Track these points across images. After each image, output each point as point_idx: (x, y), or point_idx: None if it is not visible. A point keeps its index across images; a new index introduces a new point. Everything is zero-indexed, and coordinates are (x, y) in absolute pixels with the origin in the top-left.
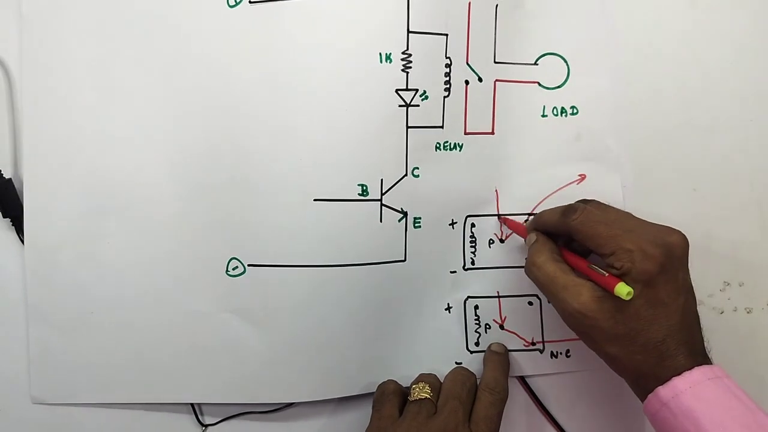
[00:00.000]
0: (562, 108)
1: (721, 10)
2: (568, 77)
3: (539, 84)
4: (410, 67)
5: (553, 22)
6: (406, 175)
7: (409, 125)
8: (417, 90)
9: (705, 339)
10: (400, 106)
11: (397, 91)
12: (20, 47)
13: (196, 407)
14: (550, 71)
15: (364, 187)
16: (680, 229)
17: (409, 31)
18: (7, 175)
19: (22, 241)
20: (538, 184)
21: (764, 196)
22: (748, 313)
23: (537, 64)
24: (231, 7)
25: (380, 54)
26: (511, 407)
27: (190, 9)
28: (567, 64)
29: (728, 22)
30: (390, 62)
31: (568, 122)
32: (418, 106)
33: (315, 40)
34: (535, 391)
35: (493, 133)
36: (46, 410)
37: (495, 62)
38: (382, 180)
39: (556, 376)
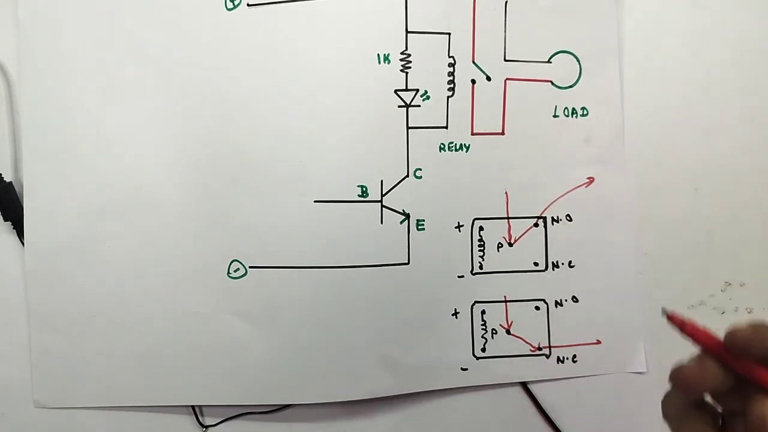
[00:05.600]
0: (573, 109)
1: (723, 11)
2: (580, 77)
3: (552, 83)
4: (409, 68)
5: (566, 18)
6: (407, 176)
7: (409, 126)
8: (417, 90)
9: None
10: (399, 106)
11: (396, 91)
12: (18, 51)
13: (196, 408)
14: (563, 70)
15: (364, 189)
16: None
17: (407, 31)
18: (7, 178)
19: (23, 245)
20: (547, 187)
21: (765, 195)
22: (749, 313)
23: (550, 62)
24: (229, 10)
25: (378, 55)
26: (512, 414)
27: (188, 12)
28: (579, 63)
29: (729, 22)
30: (389, 63)
31: (578, 123)
32: (418, 106)
33: (313, 43)
34: (537, 398)
35: (503, 133)
36: (48, 414)
37: (505, 60)
38: (382, 181)
39: (558, 383)
